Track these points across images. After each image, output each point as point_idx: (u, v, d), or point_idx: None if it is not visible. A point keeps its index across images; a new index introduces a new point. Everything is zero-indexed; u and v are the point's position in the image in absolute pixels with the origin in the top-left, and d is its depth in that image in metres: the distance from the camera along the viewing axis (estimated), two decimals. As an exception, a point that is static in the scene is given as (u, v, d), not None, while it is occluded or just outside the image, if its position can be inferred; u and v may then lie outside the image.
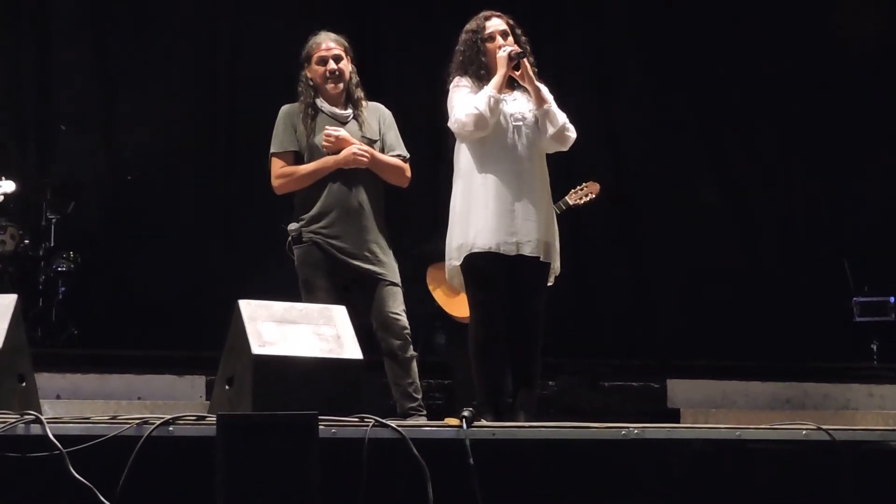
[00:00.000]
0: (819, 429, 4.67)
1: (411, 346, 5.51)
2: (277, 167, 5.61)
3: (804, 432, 4.68)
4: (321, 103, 5.63)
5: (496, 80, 5.36)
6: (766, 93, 9.68)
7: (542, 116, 5.41)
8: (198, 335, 7.34)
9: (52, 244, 8.54)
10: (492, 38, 5.45)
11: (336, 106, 5.65)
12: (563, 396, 7.61)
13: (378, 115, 5.72)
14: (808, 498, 4.63)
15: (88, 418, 4.29)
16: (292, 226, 5.58)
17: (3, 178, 7.68)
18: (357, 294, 5.50)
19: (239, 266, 8.71)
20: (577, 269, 8.76)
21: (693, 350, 8.73)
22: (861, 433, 4.91)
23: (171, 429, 4.01)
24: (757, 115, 9.77)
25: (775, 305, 9.36)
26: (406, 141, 5.74)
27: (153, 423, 3.98)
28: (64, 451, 3.85)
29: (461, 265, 5.37)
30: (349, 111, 5.66)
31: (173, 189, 9.05)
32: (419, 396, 5.49)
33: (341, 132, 5.55)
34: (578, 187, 6.79)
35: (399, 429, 4.19)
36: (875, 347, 8.92)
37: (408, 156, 5.70)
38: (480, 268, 5.32)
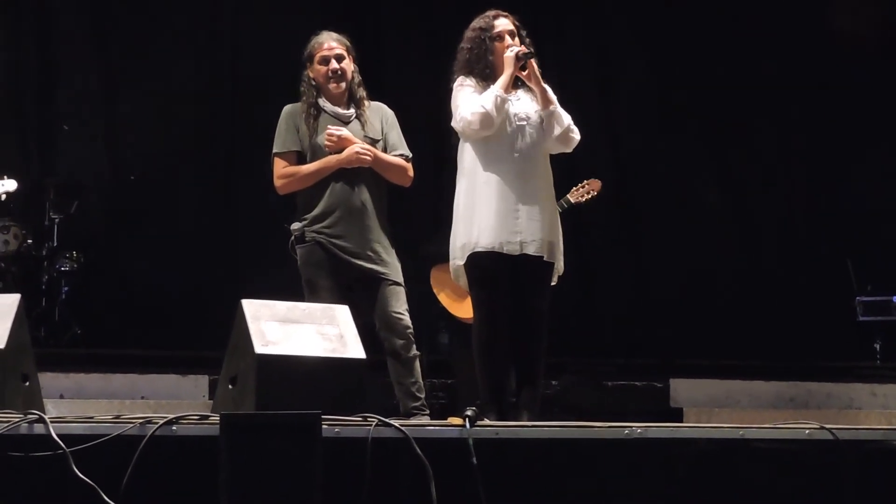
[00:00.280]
0: (822, 428, 4.67)
1: (414, 346, 5.52)
2: (280, 167, 5.61)
3: (807, 432, 4.68)
4: (324, 103, 5.63)
5: (503, 80, 5.35)
6: (766, 93, 9.67)
7: (548, 117, 5.41)
8: (201, 335, 7.33)
9: (56, 244, 8.52)
10: (500, 37, 5.44)
11: (338, 105, 5.64)
12: (567, 396, 7.61)
13: (380, 115, 5.71)
14: (811, 497, 4.63)
15: (92, 418, 4.28)
16: (295, 225, 5.57)
17: (5, 177, 7.67)
18: (360, 293, 5.50)
19: (242, 265, 8.73)
20: (580, 269, 8.75)
21: (696, 349, 8.71)
22: (864, 432, 4.90)
23: (174, 428, 4.01)
24: (757, 115, 9.75)
25: (779, 305, 9.35)
26: (407, 140, 5.74)
27: (156, 423, 3.98)
28: (67, 450, 3.85)
29: (465, 264, 5.37)
30: (352, 111, 5.65)
31: (176, 188, 9.04)
32: (422, 396, 5.49)
33: (343, 132, 5.54)
34: (580, 185, 6.82)
35: (402, 428, 4.19)
36: (878, 347, 8.91)
37: (410, 155, 5.70)
38: (484, 267, 5.31)
